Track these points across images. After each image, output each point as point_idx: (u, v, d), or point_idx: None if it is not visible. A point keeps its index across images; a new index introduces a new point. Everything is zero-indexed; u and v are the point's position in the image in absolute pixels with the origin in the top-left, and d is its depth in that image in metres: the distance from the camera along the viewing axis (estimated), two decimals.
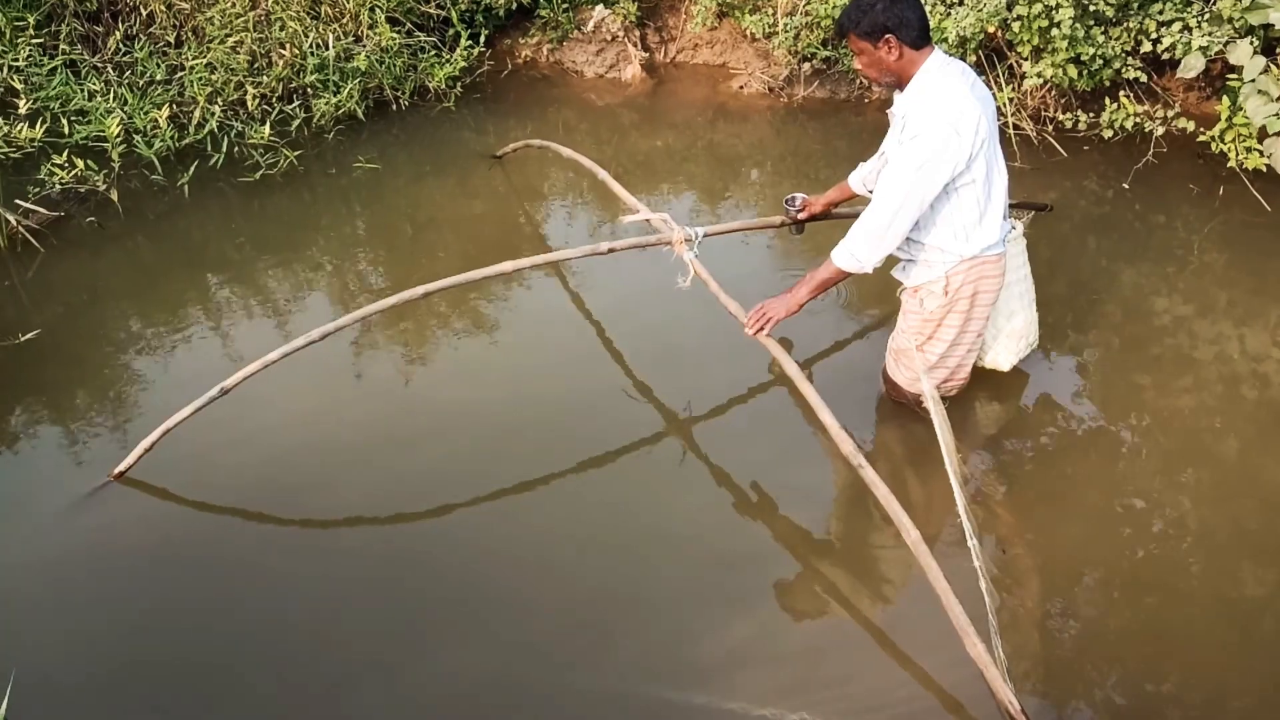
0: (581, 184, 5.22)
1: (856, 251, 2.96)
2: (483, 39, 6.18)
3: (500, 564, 2.92)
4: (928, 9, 5.13)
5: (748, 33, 6.08)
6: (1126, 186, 4.80)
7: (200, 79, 5.41)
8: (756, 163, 5.49)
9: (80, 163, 4.65)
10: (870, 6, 2.77)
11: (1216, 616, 2.72)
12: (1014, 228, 3.26)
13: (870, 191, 3.34)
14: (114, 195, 4.76)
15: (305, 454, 3.32)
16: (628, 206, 3.79)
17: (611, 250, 3.41)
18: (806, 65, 5.96)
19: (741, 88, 6.21)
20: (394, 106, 5.90)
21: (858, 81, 5.92)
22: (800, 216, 3.58)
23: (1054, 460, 3.29)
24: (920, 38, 2.80)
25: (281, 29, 5.57)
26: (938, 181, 2.82)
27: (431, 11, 6.06)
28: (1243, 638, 2.65)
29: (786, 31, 5.75)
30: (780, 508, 3.12)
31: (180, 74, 5.51)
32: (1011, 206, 3.89)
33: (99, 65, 5.63)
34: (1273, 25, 4.43)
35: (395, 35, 5.72)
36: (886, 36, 2.78)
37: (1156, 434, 3.40)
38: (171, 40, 5.80)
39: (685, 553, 2.97)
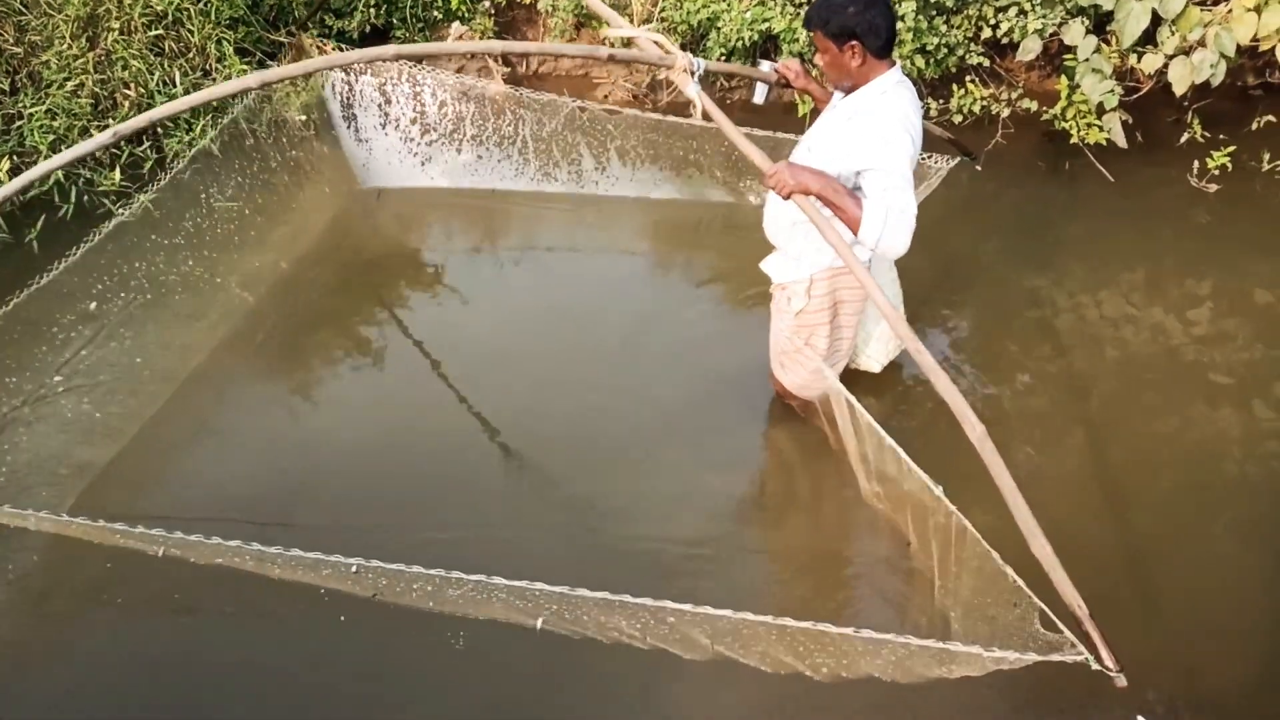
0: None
1: (885, 240, 2.66)
2: None
3: None
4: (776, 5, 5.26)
5: (607, 42, 6.11)
6: (979, 168, 5.01)
7: (41, 126, 5.15)
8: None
9: None
10: (841, 8, 2.68)
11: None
12: None
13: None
14: None
15: None
16: (609, 22, 3.56)
17: (611, 58, 3.24)
18: None
19: (606, 96, 6.24)
20: (249, 140, 5.72)
21: (718, 83, 5.99)
22: (781, 82, 3.34)
23: (937, 434, 3.38)
24: (885, 48, 2.73)
25: (125, 68, 5.35)
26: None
27: (282, 40, 5.91)
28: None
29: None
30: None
31: (19, 123, 5.24)
32: (948, 142, 3.97)
33: None
34: (1100, 5, 4.67)
35: (246, 66, 5.56)
36: (852, 42, 2.70)
37: (1028, 396, 3.59)
38: (6, 88, 5.51)
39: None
